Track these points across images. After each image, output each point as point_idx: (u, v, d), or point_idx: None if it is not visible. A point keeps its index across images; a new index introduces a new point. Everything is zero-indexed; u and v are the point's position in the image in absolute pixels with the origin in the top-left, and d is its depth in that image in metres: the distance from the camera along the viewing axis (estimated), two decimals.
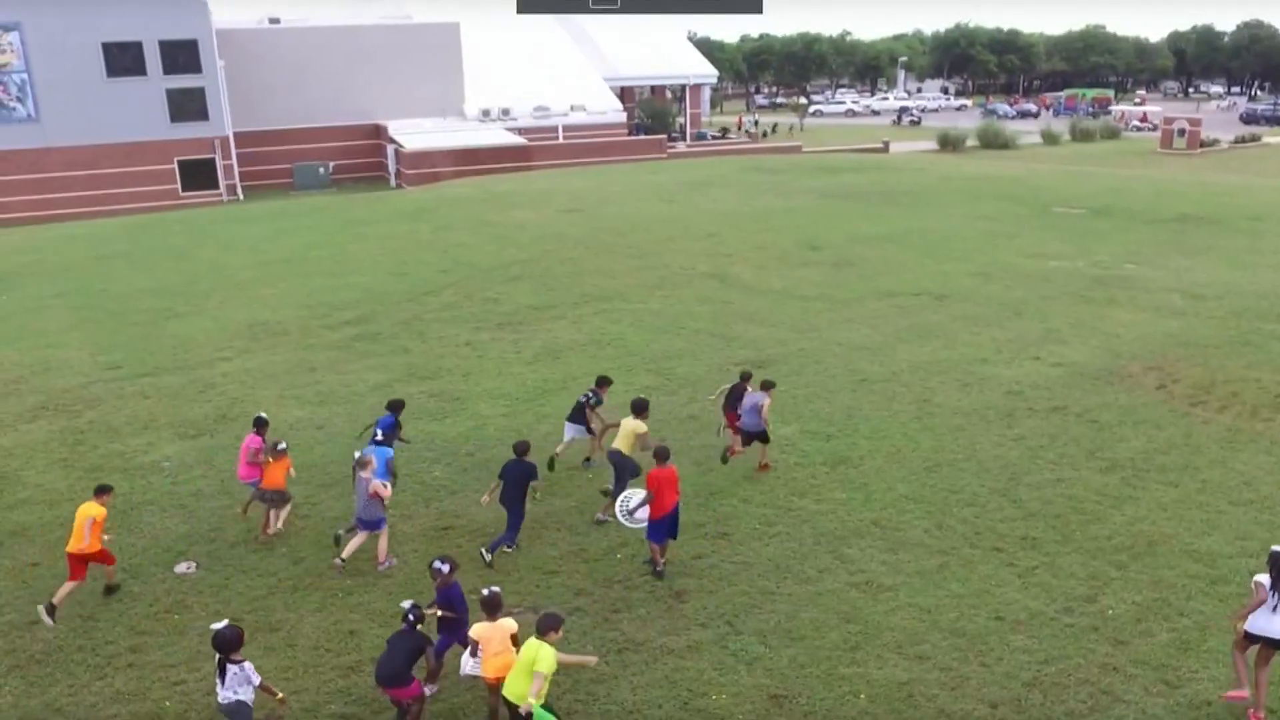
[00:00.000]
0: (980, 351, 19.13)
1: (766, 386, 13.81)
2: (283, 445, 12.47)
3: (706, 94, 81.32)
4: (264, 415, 13.25)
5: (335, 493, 13.61)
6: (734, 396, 14.04)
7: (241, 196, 52.95)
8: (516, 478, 11.57)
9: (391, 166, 55.74)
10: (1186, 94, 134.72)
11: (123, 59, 49.37)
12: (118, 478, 14.33)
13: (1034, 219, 34.19)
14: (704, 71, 71.01)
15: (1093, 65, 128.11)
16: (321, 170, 54.95)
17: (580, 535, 12.13)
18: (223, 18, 54.83)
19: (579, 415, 13.87)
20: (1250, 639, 8.66)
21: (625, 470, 12.38)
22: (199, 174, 51.94)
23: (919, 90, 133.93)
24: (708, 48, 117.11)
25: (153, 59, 49.88)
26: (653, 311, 22.36)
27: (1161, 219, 34.09)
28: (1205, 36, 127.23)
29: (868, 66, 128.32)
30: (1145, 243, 29.95)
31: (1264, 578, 8.72)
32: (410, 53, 57.96)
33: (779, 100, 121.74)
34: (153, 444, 15.75)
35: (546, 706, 7.85)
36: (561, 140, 58.28)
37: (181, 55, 50.26)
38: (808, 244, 29.78)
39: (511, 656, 8.20)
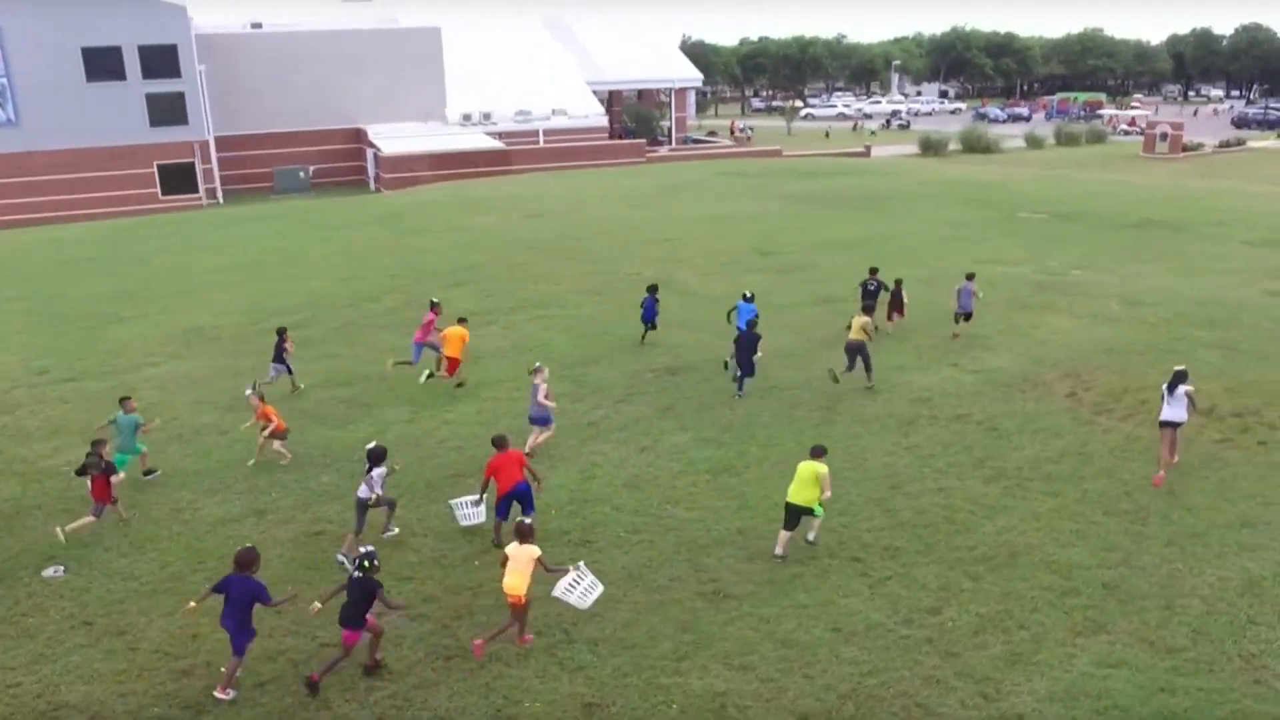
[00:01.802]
0: (901, 358, 19.08)
1: (970, 277, 20.43)
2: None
3: (692, 98, 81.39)
4: (436, 299, 19.10)
5: (219, 499, 13.69)
6: (894, 297, 20.54)
7: (221, 200, 53.31)
8: (747, 343, 16.77)
9: (371, 170, 56.01)
10: (1186, 97, 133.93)
11: (102, 63, 49.82)
12: (14, 483, 14.52)
13: (998, 224, 34.11)
14: (690, 75, 71.09)
15: (1091, 68, 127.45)
16: (302, 174, 55.26)
17: (446, 542, 12.18)
18: (206, 22, 55.30)
19: (871, 297, 19.92)
20: (1161, 426, 13.71)
21: (862, 355, 17.03)
22: (179, 178, 52.34)
23: (919, 93, 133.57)
24: (702, 50, 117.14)
25: (132, 63, 50.33)
26: (585, 317, 22.41)
27: (1125, 224, 33.96)
28: (1203, 40, 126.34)
29: (863, 69, 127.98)
30: (1102, 248, 29.85)
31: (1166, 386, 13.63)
32: (392, 57, 58.27)
33: (775, 104, 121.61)
34: (59, 449, 15.85)
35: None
36: (542, 144, 58.46)
37: (161, 60, 50.69)
38: (762, 250, 29.79)
39: (526, 580, 9.64)
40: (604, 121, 62.38)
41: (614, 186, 44.96)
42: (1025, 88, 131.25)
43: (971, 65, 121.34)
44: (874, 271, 21.13)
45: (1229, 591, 10.87)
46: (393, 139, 54.35)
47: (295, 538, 12.54)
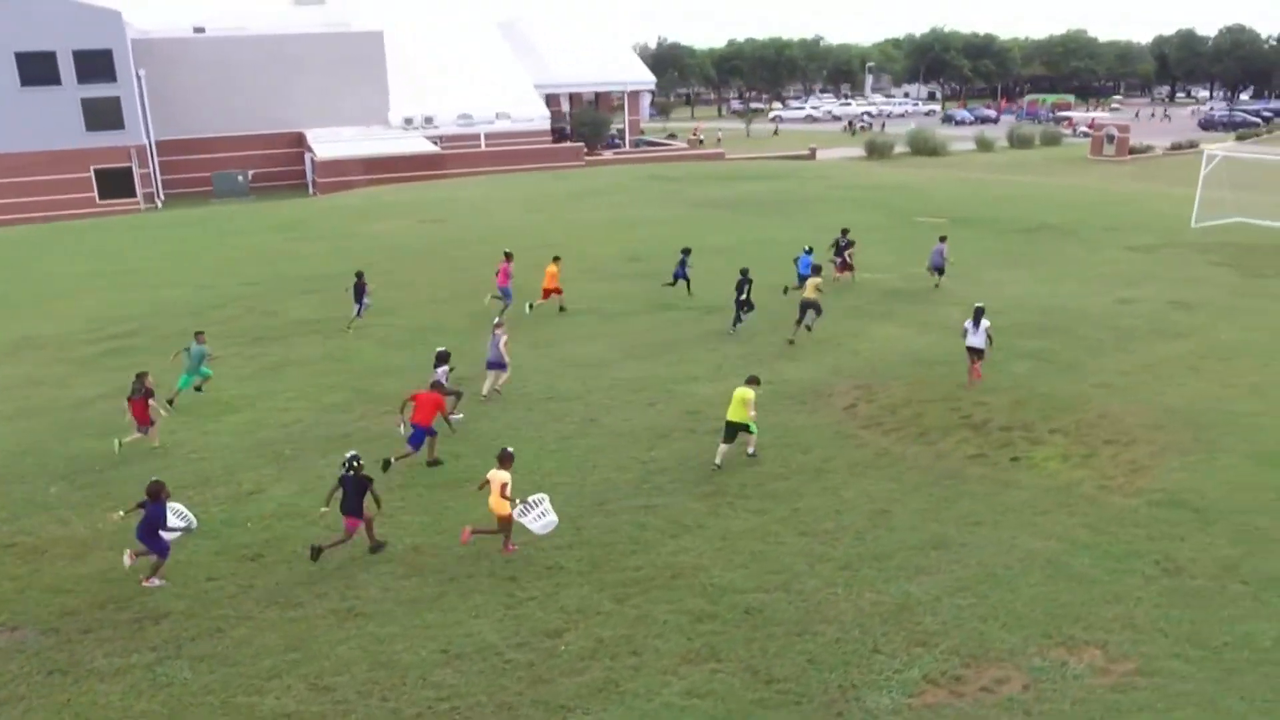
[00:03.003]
0: (698, 369, 18.97)
1: (943, 239, 25.28)
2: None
3: (646, 100, 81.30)
4: (509, 250, 23.27)
5: None
6: (839, 249, 25.56)
7: (160, 205, 53.53)
8: (741, 289, 20.90)
9: (309, 174, 56.14)
10: (1172, 99, 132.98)
11: (36, 68, 50.05)
12: None
13: (888, 229, 33.86)
14: (643, 78, 71.02)
15: (1073, 70, 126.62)
16: (240, 178, 55.38)
17: (121, 555, 12.15)
18: (149, 25, 55.52)
19: (840, 253, 25.49)
20: (969, 351, 17.65)
21: (817, 310, 20.41)
22: (116, 182, 52.52)
23: (905, 95, 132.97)
24: (677, 52, 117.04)
25: (67, 68, 50.51)
26: (413, 327, 22.35)
27: (1018, 229, 33.73)
28: (1187, 41, 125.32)
29: (839, 71, 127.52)
30: (979, 254, 29.59)
31: (969, 322, 17.58)
32: (335, 61, 58.33)
33: (754, 106, 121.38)
34: None
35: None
36: (483, 148, 58.48)
37: (96, 65, 50.87)
38: (633, 256, 29.71)
39: (498, 498, 11.82)
40: (547, 125, 62.33)
41: (533, 191, 44.94)
42: (1014, 88, 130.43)
43: (950, 67, 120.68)
44: (845, 231, 26.05)
45: (874, 618, 10.70)
46: (329, 143, 54.47)
47: None
